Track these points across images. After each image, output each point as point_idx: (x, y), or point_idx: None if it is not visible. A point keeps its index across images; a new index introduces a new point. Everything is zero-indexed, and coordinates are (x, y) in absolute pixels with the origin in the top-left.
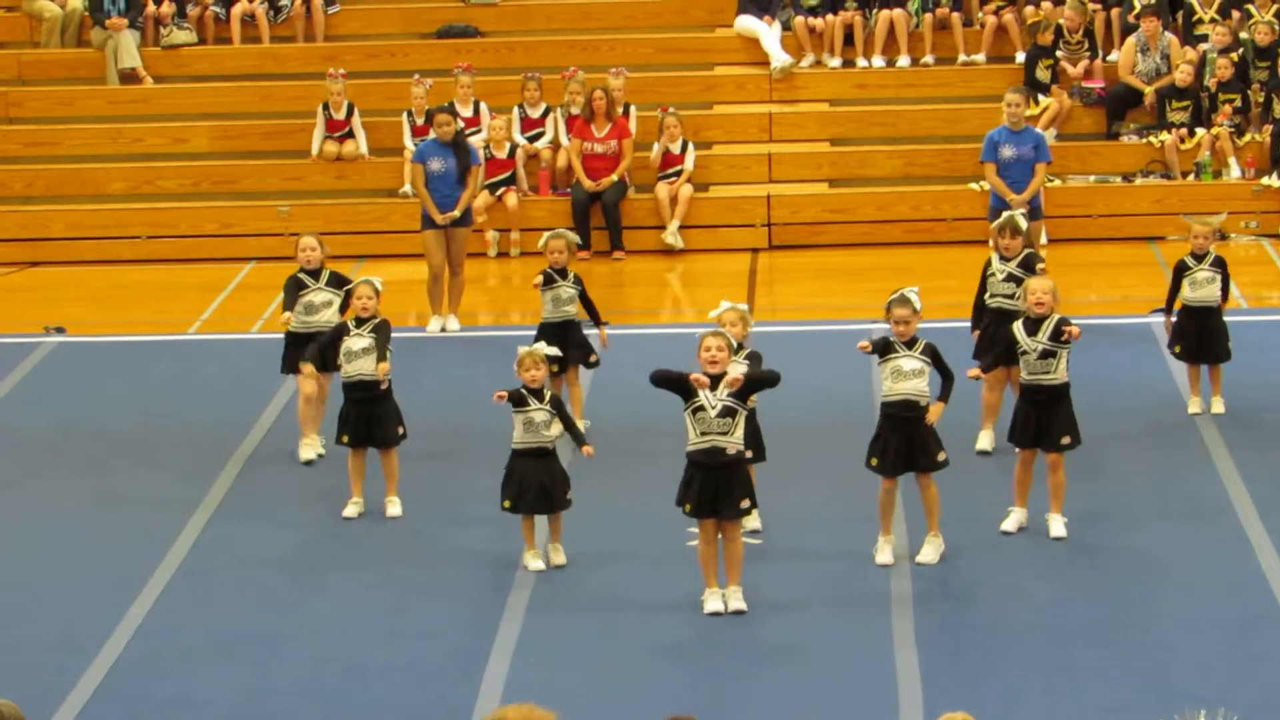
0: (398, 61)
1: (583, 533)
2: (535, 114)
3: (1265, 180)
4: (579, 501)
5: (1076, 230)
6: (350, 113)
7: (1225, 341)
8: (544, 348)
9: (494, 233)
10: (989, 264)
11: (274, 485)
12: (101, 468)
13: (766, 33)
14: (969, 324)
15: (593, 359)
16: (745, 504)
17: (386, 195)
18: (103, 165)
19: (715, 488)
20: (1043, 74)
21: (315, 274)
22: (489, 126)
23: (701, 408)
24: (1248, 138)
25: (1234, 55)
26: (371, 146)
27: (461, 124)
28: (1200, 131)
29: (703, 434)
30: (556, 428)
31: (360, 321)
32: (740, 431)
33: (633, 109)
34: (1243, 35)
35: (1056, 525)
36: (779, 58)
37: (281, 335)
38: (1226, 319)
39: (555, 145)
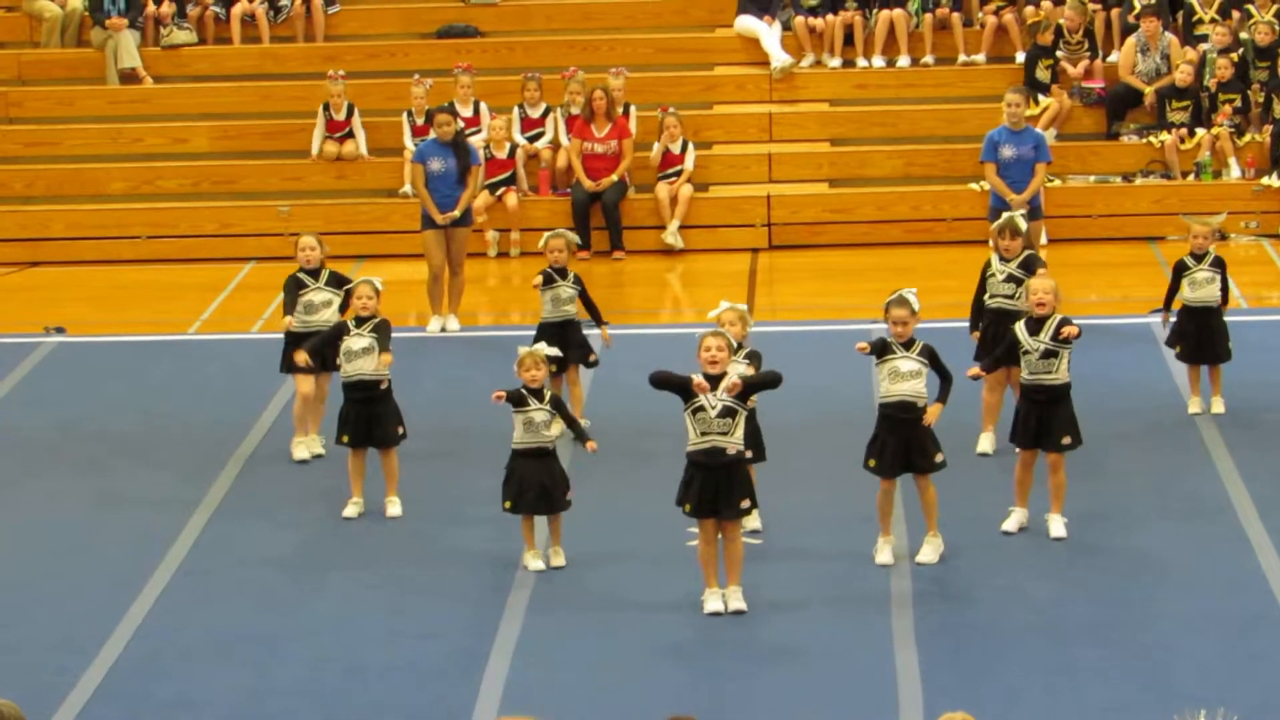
0: (398, 61)
1: (583, 533)
2: (535, 114)
3: (1265, 180)
4: (579, 502)
5: (1076, 230)
6: (350, 113)
7: (1225, 341)
8: (544, 348)
9: (494, 233)
10: (988, 265)
11: (274, 485)
12: (101, 468)
13: (766, 33)
14: (968, 325)
15: (592, 359)
16: (745, 504)
17: (386, 195)
18: (103, 165)
19: (715, 488)
20: (1043, 74)
21: (315, 274)
22: (489, 126)
23: (701, 408)
24: (1248, 138)
25: (1234, 55)
26: (371, 146)
27: (461, 124)
28: (1200, 131)
29: (703, 434)
30: (557, 428)
31: (360, 321)
32: (740, 432)
33: (633, 109)
34: (1243, 35)
35: (1056, 526)
36: (779, 58)
37: (281, 335)
38: (1227, 319)
39: (555, 145)
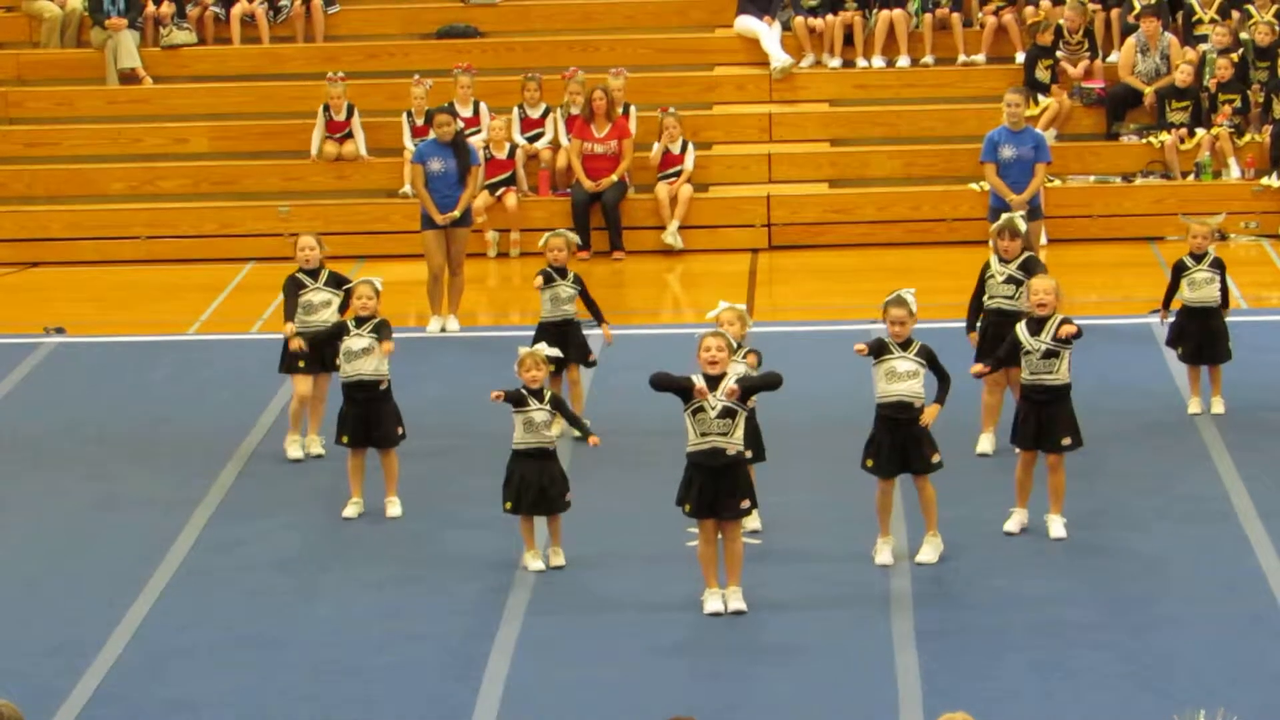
0: (397, 62)
1: (583, 533)
2: (535, 114)
3: (1265, 180)
4: (579, 502)
5: (1076, 230)
6: (350, 114)
7: (1226, 341)
8: (545, 348)
9: (494, 233)
10: (987, 266)
11: (274, 485)
12: (101, 468)
13: (766, 33)
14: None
15: (591, 359)
16: (745, 504)
17: (386, 196)
18: (102, 165)
19: (715, 488)
20: (1043, 74)
21: (314, 274)
22: (489, 127)
23: (701, 409)
24: (1247, 138)
25: (1234, 56)
26: (371, 147)
27: (461, 124)
28: (1200, 132)
29: (703, 435)
30: (557, 428)
31: (360, 321)
32: (740, 432)
33: (633, 109)
34: (1243, 35)
35: (1056, 526)
36: (779, 58)
37: (281, 335)
38: (1227, 319)
39: (555, 145)
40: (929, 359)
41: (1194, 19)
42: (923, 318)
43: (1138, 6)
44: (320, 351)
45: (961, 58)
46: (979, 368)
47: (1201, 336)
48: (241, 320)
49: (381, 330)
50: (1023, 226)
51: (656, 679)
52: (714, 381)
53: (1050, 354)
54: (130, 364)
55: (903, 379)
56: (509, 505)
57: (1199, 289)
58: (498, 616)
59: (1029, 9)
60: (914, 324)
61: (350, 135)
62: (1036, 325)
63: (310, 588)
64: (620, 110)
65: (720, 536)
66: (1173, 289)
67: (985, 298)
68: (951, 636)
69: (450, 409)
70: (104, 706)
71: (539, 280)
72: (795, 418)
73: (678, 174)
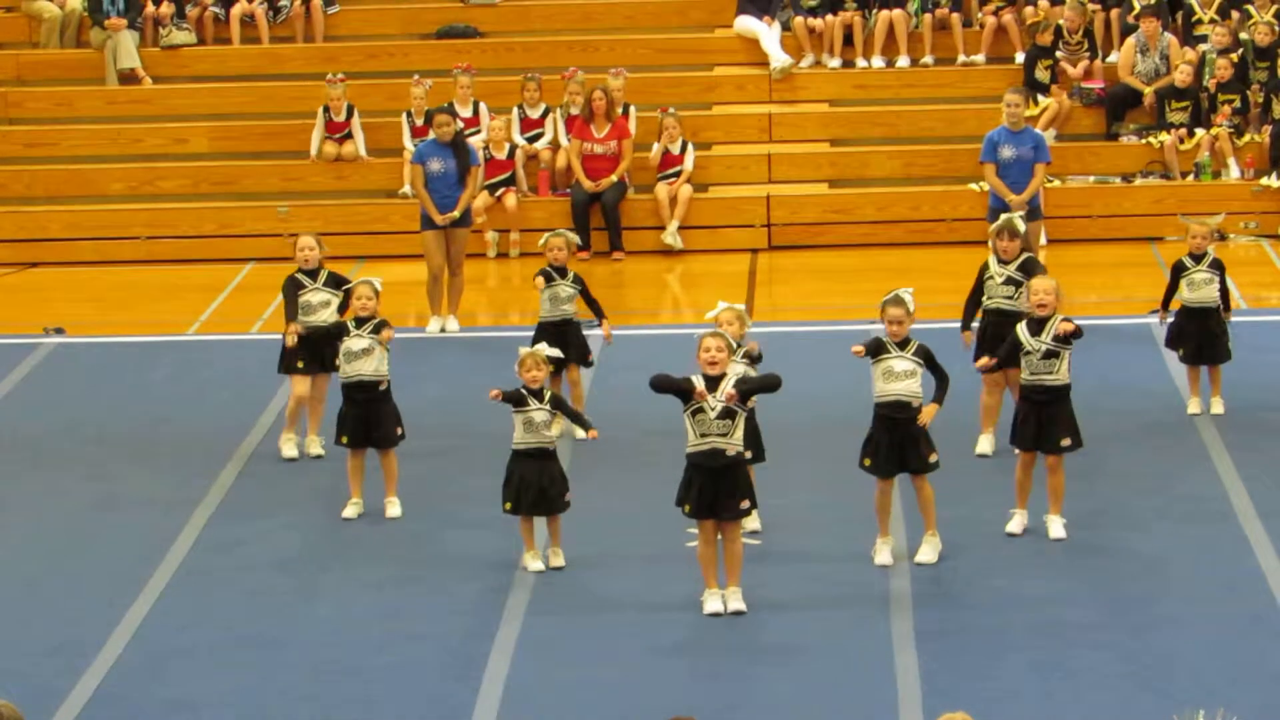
0: (397, 62)
1: (583, 534)
2: (535, 114)
3: (1264, 181)
4: (579, 502)
5: (1076, 231)
6: (350, 114)
7: (1225, 342)
8: (545, 349)
9: (493, 233)
10: (986, 266)
11: (274, 485)
12: (101, 468)
13: (766, 33)
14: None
15: (589, 359)
16: (745, 505)
17: (386, 196)
18: (102, 166)
19: (715, 489)
20: (1042, 74)
21: (313, 274)
22: (488, 127)
23: (701, 410)
24: (1247, 138)
25: (1233, 56)
26: (371, 147)
27: (461, 124)
28: (1199, 132)
29: (702, 436)
30: (557, 428)
31: (360, 322)
32: (740, 433)
33: (632, 109)
34: (1242, 36)
35: (1056, 526)
36: (778, 58)
37: (280, 336)
38: (1230, 321)
39: (555, 146)
40: (927, 358)
41: (1194, 19)
42: (922, 318)
43: (1137, 6)
44: (319, 352)
45: (961, 58)
46: (985, 360)
47: (1201, 337)
48: (241, 320)
49: (381, 329)
50: (1022, 227)
51: (656, 679)
52: (713, 382)
53: (1050, 354)
54: (130, 364)
55: (900, 378)
56: (508, 505)
57: (1198, 289)
58: (498, 616)
59: (1029, 9)
60: (912, 323)
61: (350, 136)
62: (1037, 325)
63: (310, 588)
64: (620, 110)
65: (720, 537)
66: (1172, 289)
67: (985, 298)
68: (951, 637)
69: (450, 409)
70: (104, 706)
71: (540, 280)
72: (795, 418)
73: (677, 174)
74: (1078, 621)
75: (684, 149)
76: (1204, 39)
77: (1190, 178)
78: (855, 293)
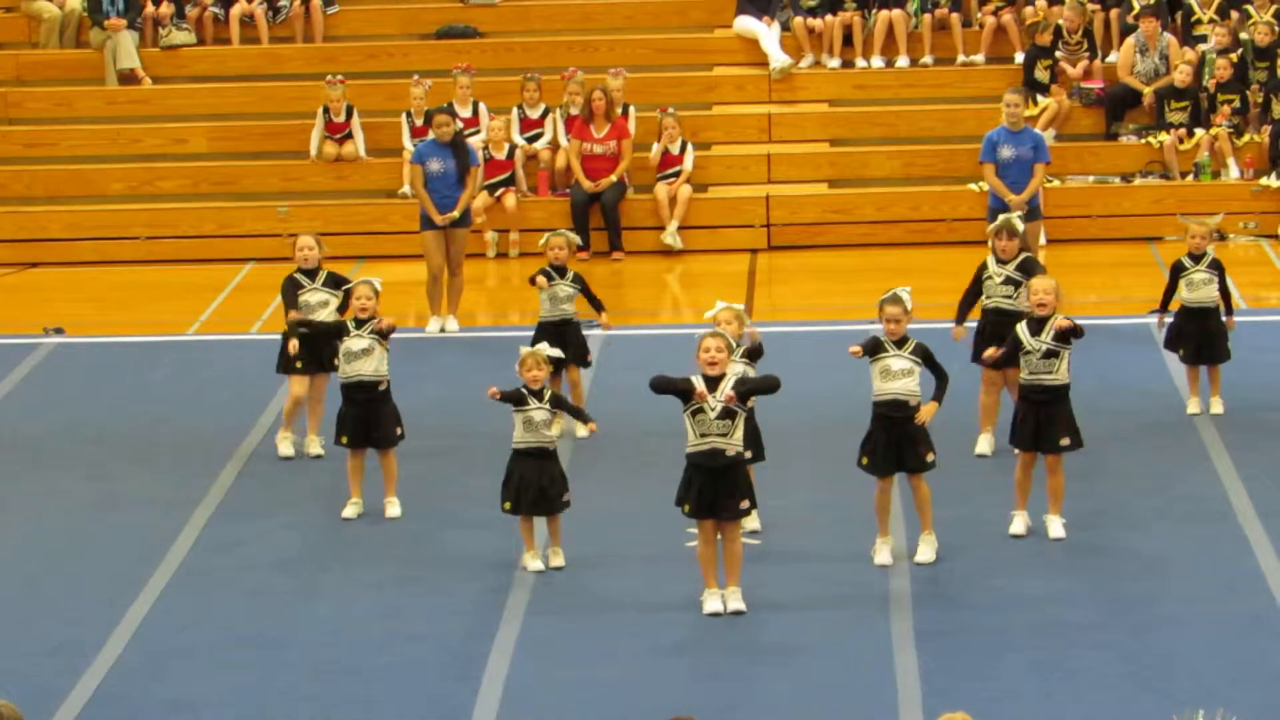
0: (397, 62)
1: (583, 533)
2: (534, 115)
3: (1264, 181)
4: (579, 502)
5: (1076, 231)
6: (349, 115)
7: (1225, 341)
8: (546, 349)
9: (493, 233)
10: (984, 265)
11: (274, 485)
12: (101, 468)
13: (765, 33)
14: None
15: (588, 359)
16: (745, 505)
17: (385, 196)
18: (101, 166)
19: (715, 489)
20: (1042, 74)
21: (312, 274)
22: (488, 127)
23: (701, 410)
24: (1246, 138)
25: (1233, 56)
26: (370, 147)
27: (460, 125)
28: (1199, 132)
29: (702, 436)
30: (557, 428)
31: (360, 322)
32: (740, 433)
33: (632, 109)
34: (1242, 36)
35: (1055, 526)
36: (778, 58)
37: (279, 336)
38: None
39: (554, 146)
40: (925, 357)
41: (1193, 19)
42: (922, 317)
43: (1137, 6)
44: (319, 352)
45: (960, 58)
46: (992, 351)
47: (1200, 337)
48: (241, 320)
49: (381, 321)
50: (1020, 227)
51: (656, 679)
52: (713, 383)
53: (1050, 354)
54: (130, 364)
55: (898, 377)
56: (508, 505)
57: (1197, 289)
58: (498, 616)
59: (1028, 9)
60: (909, 322)
61: (349, 136)
62: (1037, 325)
63: (310, 588)
64: (619, 110)
65: (720, 537)
66: (1171, 289)
67: (984, 298)
68: (951, 637)
69: (450, 409)
70: (104, 706)
71: (541, 280)
72: (795, 418)
73: (677, 174)
74: (1078, 621)
75: (683, 149)
76: (1203, 39)
77: (1190, 178)
78: (855, 293)
